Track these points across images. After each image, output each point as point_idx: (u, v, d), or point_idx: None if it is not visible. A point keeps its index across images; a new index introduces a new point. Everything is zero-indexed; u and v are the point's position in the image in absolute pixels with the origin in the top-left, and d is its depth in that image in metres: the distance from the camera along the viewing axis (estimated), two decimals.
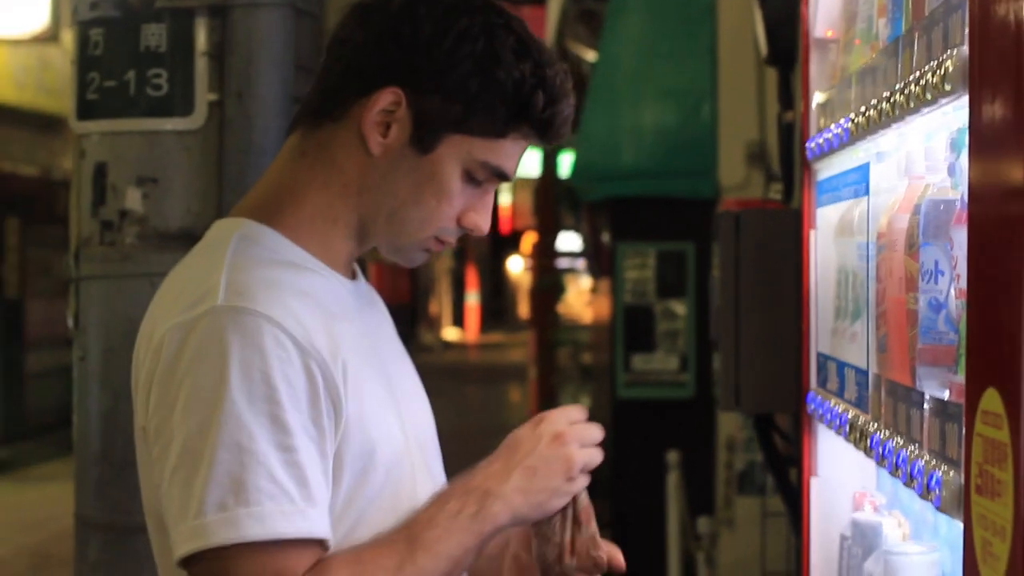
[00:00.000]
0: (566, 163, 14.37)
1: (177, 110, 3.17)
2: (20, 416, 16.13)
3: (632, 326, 9.32)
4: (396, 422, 2.14)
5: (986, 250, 1.75)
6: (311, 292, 2.06)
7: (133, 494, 2.12)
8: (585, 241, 13.55)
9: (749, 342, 3.69)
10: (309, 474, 1.94)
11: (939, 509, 1.92)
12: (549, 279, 14.64)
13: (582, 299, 16.42)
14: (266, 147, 3.11)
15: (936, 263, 2.03)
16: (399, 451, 2.12)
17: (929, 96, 1.98)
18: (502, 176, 2.14)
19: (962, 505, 1.82)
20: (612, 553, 2.14)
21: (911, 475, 2.06)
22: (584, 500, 2.13)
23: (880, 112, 2.31)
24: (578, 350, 13.81)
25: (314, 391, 1.97)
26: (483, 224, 2.17)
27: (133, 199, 3.16)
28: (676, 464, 7.40)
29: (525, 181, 32.83)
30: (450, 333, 39.67)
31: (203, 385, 1.94)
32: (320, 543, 1.96)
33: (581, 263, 18.21)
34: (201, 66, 3.15)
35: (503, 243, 40.81)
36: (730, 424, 7.67)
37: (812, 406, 3.08)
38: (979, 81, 1.78)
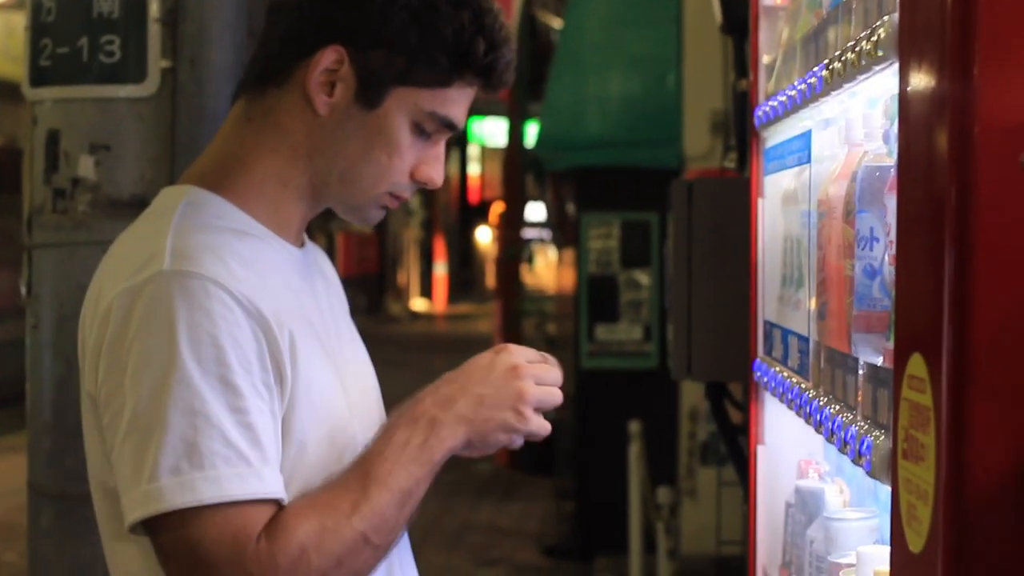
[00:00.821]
0: (533, 132, 14.34)
1: (130, 77, 3.15)
2: None
3: (596, 296, 9.33)
4: (340, 390, 2.15)
5: (911, 216, 1.76)
6: (254, 259, 2.07)
7: (85, 462, 2.13)
8: (550, 211, 13.54)
9: (701, 311, 3.71)
10: (262, 434, 1.95)
11: (869, 474, 1.93)
12: (514, 249, 14.61)
13: (550, 269, 16.38)
14: (219, 114, 3.11)
15: (871, 230, 2.04)
16: (343, 419, 2.13)
17: (864, 63, 1.99)
18: (450, 126, 2.15)
19: (891, 470, 1.84)
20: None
21: (845, 441, 2.08)
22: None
23: (820, 79, 2.32)
24: (544, 320, 13.81)
25: (261, 353, 1.98)
26: (436, 177, 2.18)
27: (86, 166, 3.16)
28: (637, 434, 7.41)
29: (495, 151, 32.73)
30: (418, 303, 39.55)
31: (152, 350, 1.94)
32: (275, 502, 1.96)
33: (548, 233, 18.17)
34: (154, 32, 3.14)
35: (472, 213, 40.64)
36: (693, 395, 7.68)
37: (758, 374, 3.09)
38: (907, 48, 1.79)
